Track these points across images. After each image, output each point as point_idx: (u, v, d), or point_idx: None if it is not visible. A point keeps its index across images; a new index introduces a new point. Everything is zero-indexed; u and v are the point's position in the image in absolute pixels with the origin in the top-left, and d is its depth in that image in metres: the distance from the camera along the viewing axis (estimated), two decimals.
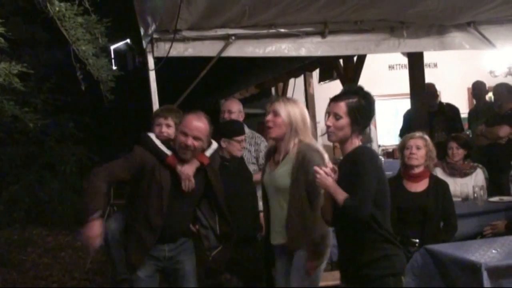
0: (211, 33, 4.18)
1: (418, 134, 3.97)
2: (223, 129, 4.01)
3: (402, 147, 3.93)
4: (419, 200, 3.73)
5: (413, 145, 3.84)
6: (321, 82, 8.01)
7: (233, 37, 4.18)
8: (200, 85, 4.46)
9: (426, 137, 3.92)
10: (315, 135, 8.12)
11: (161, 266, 3.11)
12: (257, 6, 3.91)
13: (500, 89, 5.69)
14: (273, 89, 9.59)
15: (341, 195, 2.50)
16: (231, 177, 3.54)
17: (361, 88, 2.66)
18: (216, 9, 3.89)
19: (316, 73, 8.43)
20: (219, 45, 4.22)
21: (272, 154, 3.19)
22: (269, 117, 3.05)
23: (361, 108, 2.59)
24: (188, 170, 3.00)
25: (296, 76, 7.94)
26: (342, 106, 2.59)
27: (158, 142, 3.06)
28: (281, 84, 8.97)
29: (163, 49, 4.12)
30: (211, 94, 9.25)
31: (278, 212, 3.08)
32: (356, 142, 2.63)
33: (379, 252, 2.54)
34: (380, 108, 11.13)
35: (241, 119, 4.48)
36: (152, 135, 3.12)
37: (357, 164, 2.52)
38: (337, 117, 2.59)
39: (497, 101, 5.70)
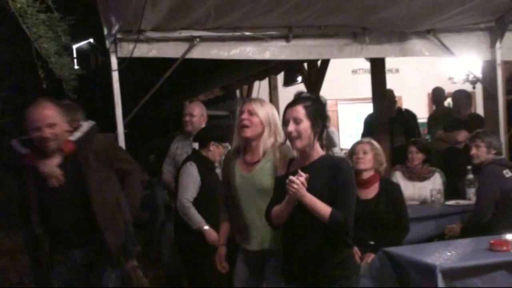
0: (176, 34, 4.17)
1: (365, 139, 4.04)
2: (216, 133, 4.04)
3: (351, 153, 3.97)
4: (370, 207, 3.76)
5: (360, 150, 3.88)
6: (286, 86, 8.08)
7: (197, 39, 4.19)
8: (164, 86, 4.45)
9: (373, 142, 3.96)
10: None
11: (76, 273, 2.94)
12: (222, 9, 3.93)
13: (459, 95, 5.85)
14: (238, 92, 9.62)
15: (323, 208, 2.50)
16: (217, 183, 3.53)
17: (311, 93, 2.71)
18: (181, 11, 3.89)
19: (281, 76, 8.51)
20: (184, 47, 4.22)
21: (239, 156, 3.08)
22: (245, 116, 2.97)
23: (318, 111, 2.61)
24: (47, 167, 2.83)
25: (261, 79, 7.99)
26: (300, 110, 2.59)
27: (15, 144, 2.92)
28: (246, 86, 9.00)
29: (126, 49, 4.09)
30: (176, 96, 9.22)
31: (255, 215, 2.98)
32: (319, 149, 2.65)
33: (343, 253, 2.59)
34: (343, 111, 11.38)
35: (203, 122, 4.50)
36: (13, 141, 2.96)
37: (339, 174, 2.53)
38: (297, 121, 2.58)
39: (456, 107, 5.86)
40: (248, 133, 2.97)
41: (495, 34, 4.58)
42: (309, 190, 2.51)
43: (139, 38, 4.04)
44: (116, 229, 2.95)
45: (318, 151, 2.64)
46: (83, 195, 2.86)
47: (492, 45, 4.62)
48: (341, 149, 8.82)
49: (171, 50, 4.23)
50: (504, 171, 3.95)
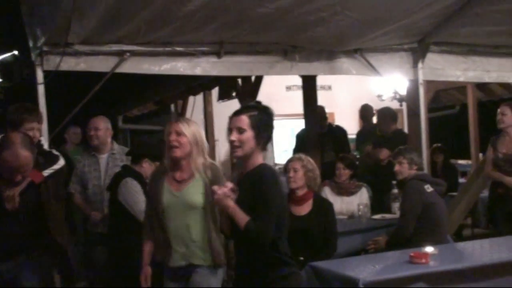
0: (105, 48, 4.10)
1: (296, 156, 4.06)
2: (151, 150, 3.98)
3: (284, 170, 4.03)
4: (303, 224, 3.81)
5: (291, 168, 3.91)
6: (220, 101, 8.10)
7: (128, 53, 4.13)
8: (95, 100, 4.36)
9: (304, 157, 3.98)
10: (213, 154, 8.21)
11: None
12: (153, 24, 3.90)
13: (382, 113, 6.10)
14: (172, 106, 9.55)
15: (241, 219, 2.49)
16: None
17: (259, 103, 2.70)
18: (110, 24, 3.83)
19: (215, 91, 8.53)
20: (113, 61, 4.15)
21: (167, 173, 3.10)
22: (173, 137, 3.02)
23: (263, 121, 2.58)
24: (10, 192, 2.97)
25: (195, 94, 7.98)
26: (244, 119, 2.56)
27: None
28: (180, 101, 8.96)
29: (53, 62, 3.97)
30: (108, 110, 9.04)
31: (183, 233, 3.02)
32: (260, 159, 2.61)
33: (278, 272, 2.56)
34: (277, 127, 11.53)
35: (109, 136, 4.45)
36: None
37: (260, 184, 2.51)
38: (240, 130, 2.55)
39: (380, 125, 6.10)
40: (178, 153, 3.04)
41: (418, 54, 4.80)
42: (237, 200, 2.53)
43: (67, 51, 3.95)
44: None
45: (258, 161, 2.61)
46: (39, 221, 3.08)
47: (415, 65, 4.83)
48: (275, 164, 8.92)
49: (100, 64, 4.15)
50: (425, 186, 4.12)
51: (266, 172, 2.56)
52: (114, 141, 4.55)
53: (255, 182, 2.53)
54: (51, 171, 3.14)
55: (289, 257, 2.63)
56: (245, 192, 2.55)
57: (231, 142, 2.58)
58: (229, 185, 2.56)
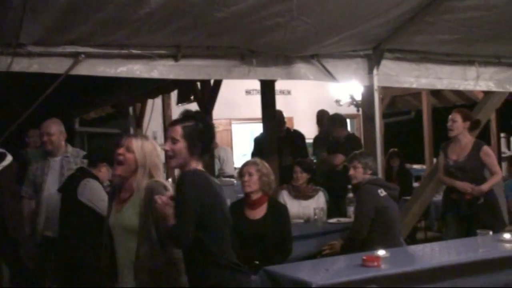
0: (59, 49, 4.02)
1: (251, 160, 4.08)
2: (110, 155, 3.82)
3: (239, 175, 4.04)
4: (257, 228, 3.84)
5: (245, 172, 3.92)
6: (179, 104, 8.06)
7: (83, 55, 4.06)
8: (50, 102, 4.27)
9: (260, 162, 3.99)
10: None
11: None
12: (109, 26, 3.84)
13: (332, 119, 6.24)
14: (130, 109, 9.45)
15: (170, 224, 2.53)
16: None
17: (198, 112, 2.73)
18: (65, 26, 3.76)
19: (174, 94, 8.48)
20: (68, 63, 4.06)
21: (118, 192, 3.00)
22: (121, 150, 2.91)
23: (198, 132, 2.61)
24: None
25: (153, 97, 7.92)
26: (178, 130, 2.60)
27: None
28: (139, 104, 8.87)
29: (4, 63, 3.87)
30: (64, 112, 8.86)
31: (125, 255, 2.89)
32: (192, 166, 2.63)
33: (215, 278, 2.57)
34: (237, 131, 11.55)
35: (63, 139, 4.37)
36: None
37: (176, 189, 2.55)
38: (174, 141, 2.60)
39: (331, 130, 6.22)
40: (119, 171, 2.91)
41: (373, 61, 4.88)
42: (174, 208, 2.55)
43: (18, 52, 3.85)
44: None
45: (191, 168, 2.63)
46: None
47: (370, 72, 4.91)
48: (235, 168, 8.93)
49: (54, 66, 4.05)
50: (379, 190, 4.20)
51: (183, 177, 2.58)
52: (68, 144, 4.47)
53: (177, 189, 2.58)
54: (1, 167, 3.01)
55: (228, 261, 2.62)
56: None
57: (165, 152, 2.62)
58: (169, 193, 2.60)
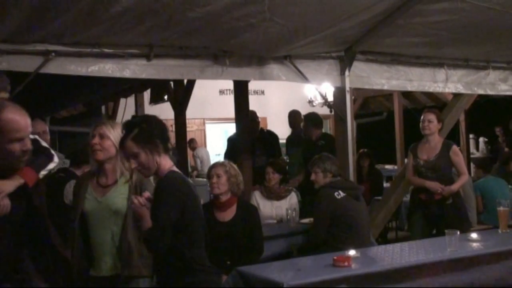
0: (29, 47, 3.96)
1: (219, 162, 4.07)
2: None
3: (207, 177, 4.03)
4: (227, 229, 3.84)
5: (213, 174, 3.90)
6: (152, 104, 8.01)
7: (53, 53, 4.00)
8: (22, 101, 4.19)
9: (227, 163, 4.00)
10: None
11: None
12: (80, 23, 3.80)
13: (306, 119, 6.31)
14: (103, 108, 9.35)
15: (146, 227, 2.52)
16: None
17: (135, 117, 2.72)
18: (34, 23, 3.70)
19: (147, 94, 8.43)
20: (38, 61, 4.00)
21: (92, 180, 3.02)
22: (95, 140, 2.94)
23: (148, 133, 2.57)
24: (3, 187, 2.40)
25: (125, 96, 7.85)
26: (130, 145, 2.56)
27: None
28: (111, 103, 8.78)
29: None
30: (36, 111, 8.73)
31: (107, 241, 2.91)
32: (167, 164, 2.61)
33: (186, 279, 2.58)
34: (211, 131, 11.53)
35: (47, 139, 4.31)
36: None
37: (155, 193, 2.55)
38: (135, 156, 2.56)
39: (307, 130, 6.27)
40: (100, 156, 2.95)
41: (344, 63, 4.93)
42: (151, 210, 2.55)
43: None
44: None
45: (165, 168, 2.61)
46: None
47: (342, 73, 4.96)
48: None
49: (24, 64, 3.99)
50: (336, 193, 4.27)
51: (162, 183, 2.58)
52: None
53: (156, 191, 2.58)
54: (46, 172, 2.72)
55: (201, 264, 2.63)
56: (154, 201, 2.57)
57: (136, 169, 2.61)
58: (146, 194, 2.58)
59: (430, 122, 4.97)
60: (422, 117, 5.04)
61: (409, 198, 5.35)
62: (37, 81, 4.13)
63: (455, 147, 5.05)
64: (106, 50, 4.16)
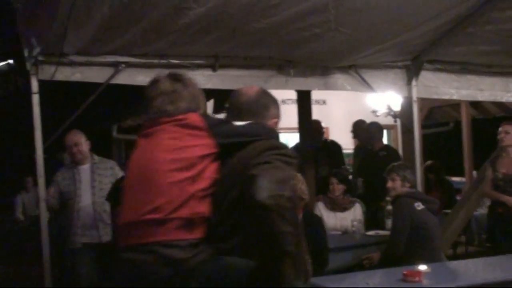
0: (100, 59, 4.10)
1: None
2: None
3: None
4: None
5: None
6: (216, 112, 8.09)
7: (123, 65, 4.13)
8: (90, 110, 4.36)
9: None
10: None
11: None
12: (148, 36, 3.91)
13: (371, 128, 6.13)
14: None
15: None
16: None
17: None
18: (106, 36, 3.83)
19: (210, 103, 8.52)
20: (108, 72, 4.15)
21: None
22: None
23: None
24: None
25: None
26: None
27: None
28: None
29: (48, 72, 3.98)
30: (103, 120, 9.03)
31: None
32: None
33: None
34: None
35: (87, 148, 4.46)
36: None
37: None
38: None
39: (370, 140, 6.12)
40: None
41: (411, 72, 4.82)
42: None
43: (62, 61, 3.95)
44: None
45: None
46: None
47: (409, 83, 4.85)
48: None
49: (95, 75, 4.15)
50: (416, 204, 4.11)
51: None
52: (92, 152, 4.55)
53: None
54: None
55: None
56: None
57: None
58: None
59: (507, 134, 4.76)
60: (499, 128, 4.85)
61: (488, 211, 5.13)
62: (107, 91, 4.27)
63: None
64: (173, 61, 4.25)
